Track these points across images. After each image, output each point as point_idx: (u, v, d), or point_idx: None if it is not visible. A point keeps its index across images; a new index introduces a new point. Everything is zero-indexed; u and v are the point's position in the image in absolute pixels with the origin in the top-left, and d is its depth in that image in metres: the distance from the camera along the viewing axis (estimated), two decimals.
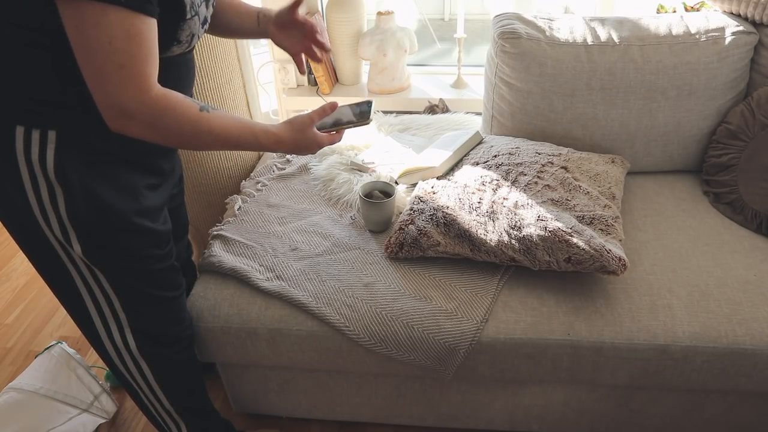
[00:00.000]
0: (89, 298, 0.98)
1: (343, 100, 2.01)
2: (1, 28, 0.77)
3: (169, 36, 0.84)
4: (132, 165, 0.93)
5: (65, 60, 0.76)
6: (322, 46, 1.10)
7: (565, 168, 1.29)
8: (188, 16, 0.84)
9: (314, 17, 1.09)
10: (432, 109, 1.86)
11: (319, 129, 0.97)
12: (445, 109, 1.86)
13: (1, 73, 0.80)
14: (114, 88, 0.75)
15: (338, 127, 0.99)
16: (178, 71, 0.95)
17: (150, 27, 0.76)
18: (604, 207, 1.22)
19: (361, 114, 1.02)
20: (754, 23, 1.41)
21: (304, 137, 0.95)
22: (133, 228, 0.93)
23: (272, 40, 1.11)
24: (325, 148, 1.08)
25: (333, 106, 0.97)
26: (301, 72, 1.11)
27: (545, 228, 1.12)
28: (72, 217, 0.88)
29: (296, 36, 1.09)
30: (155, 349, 1.08)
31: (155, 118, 0.80)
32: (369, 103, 1.04)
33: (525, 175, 1.26)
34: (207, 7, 0.91)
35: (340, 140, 1.01)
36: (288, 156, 1.59)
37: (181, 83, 0.96)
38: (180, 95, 0.83)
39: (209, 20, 0.94)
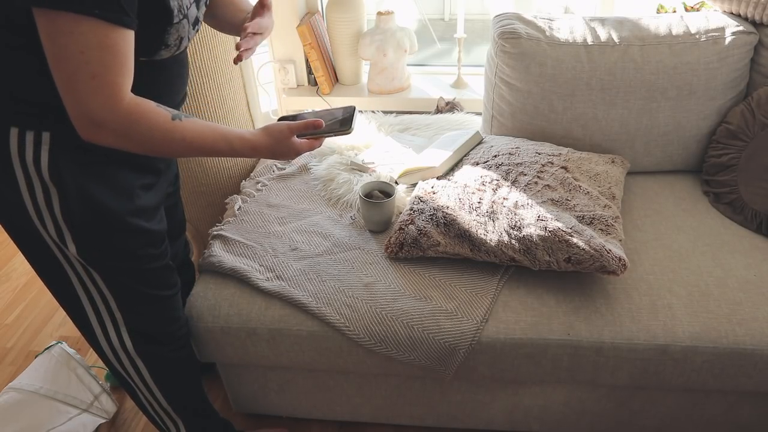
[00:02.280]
0: (85, 297, 0.99)
1: (343, 101, 2.01)
2: None
3: (156, 41, 0.83)
4: (126, 165, 0.93)
5: None
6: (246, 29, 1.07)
7: (565, 168, 1.29)
8: (176, 20, 0.83)
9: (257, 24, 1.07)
10: (451, 106, 1.84)
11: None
12: (457, 108, 1.85)
13: None
14: (84, 97, 0.75)
15: (318, 134, 0.98)
16: (169, 73, 0.94)
17: (125, 38, 0.76)
18: (604, 207, 1.22)
19: (343, 122, 1.00)
20: (754, 23, 1.41)
21: (280, 145, 0.94)
22: (127, 228, 0.93)
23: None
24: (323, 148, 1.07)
25: (318, 124, 0.96)
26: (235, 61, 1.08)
27: (545, 228, 1.12)
28: (66, 218, 0.88)
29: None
30: (151, 348, 1.08)
31: (126, 127, 0.79)
32: (352, 110, 1.02)
33: (525, 175, 1.26)
34: (198, 7, 0.90)
35: (319, 146, 1.01)
36: None
37: (173, 85, 0.96)
38: (152, 104, 0.83)
39: (201, 20, 0.93)
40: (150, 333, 1.07)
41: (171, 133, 0.83)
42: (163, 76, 0.92)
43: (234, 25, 1.10)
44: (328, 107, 1.11)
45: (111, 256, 0.95)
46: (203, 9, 0.93)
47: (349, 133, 0.99)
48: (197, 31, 0.93)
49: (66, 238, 0.90)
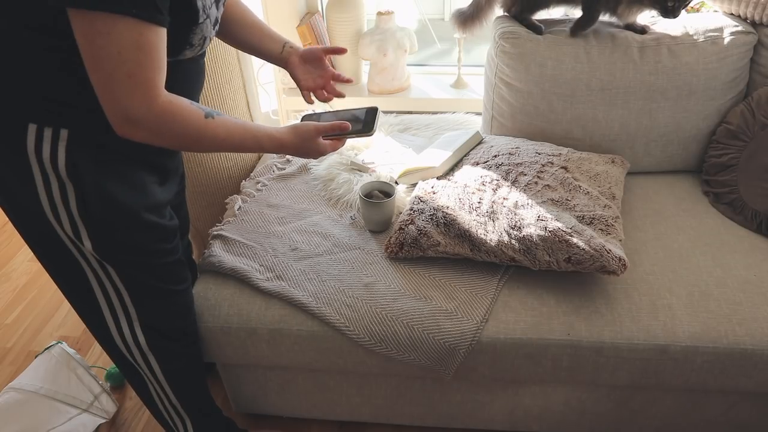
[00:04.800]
0: (101, 292, 1.00)
1: (343, 100, 2.01)
2: (16, 31, 0.78)
3: (181, 40, 0.85)
4: (140, 163, 0.95)
5: (79, 62, 0.77)
6: (335, 92, 1.20)
7: (565, 168, 1.29)
8: (201, 20, 0.84)
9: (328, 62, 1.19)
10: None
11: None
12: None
13: (15, 72, 0.81)
14: (121, 96, 0.76)
15: (341, 135, 1.01)
16: (188, 76, 0.96)
17: (160, 36, 0.77)
18: (604, 207, 1.22)
19: (366, 124, 1.04)
20: (753, 23, 1.41)
21: (307, 145, 0.98)
22: (142, 224, 0.95)
23: (290, 69, 1.16)
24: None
25: (345, 127, 1.00)
26: (308, 102, 1.18)
27: (545, 228, 1.12)
28: (83, 214, 0.89)
29: (312, 73, 1.17)
30: (163, 343, 1.10)
31: (161, 125, 0.81)
32: (374, 112, 1.05)
33: (525, 175, 1.26)
34: (217, 8, 0.91)
35: (342, 147, 1.05)
36: (288, 156, 1.60)
37: (191, 88, 0.98)
38: (186, 101, 0.85)
39: (219, 20, 0.94)
40: (162, 328, 1.08)
41: (204, 131, 0.86)
42: (181, 79, 0.94)
43: (262, 52, 1.15)
44: (348, 108, 1.15)
45: (126, 251, 0.96)
46: (222, 9, 0.94)
47: (371, 134, 1.03)
48: (216, 32, 0.94)
49: (81, 234, 0.91)
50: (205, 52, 0.97)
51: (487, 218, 1.18)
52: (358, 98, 2.01)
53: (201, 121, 0.85)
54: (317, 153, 0.99)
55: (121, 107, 0.77)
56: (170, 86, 0.83)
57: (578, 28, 1.40)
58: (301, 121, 1.03)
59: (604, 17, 1.44)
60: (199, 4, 0.82)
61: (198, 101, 1.04)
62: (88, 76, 0.76)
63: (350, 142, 1.60)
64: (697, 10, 1.60)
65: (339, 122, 0.99)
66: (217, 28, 0.93)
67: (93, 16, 0.71)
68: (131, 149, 0.90)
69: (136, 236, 0.95)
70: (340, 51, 1.15)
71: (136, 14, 0.72)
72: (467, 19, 1.55)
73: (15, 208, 0.91)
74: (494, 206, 1.19)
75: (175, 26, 0.80)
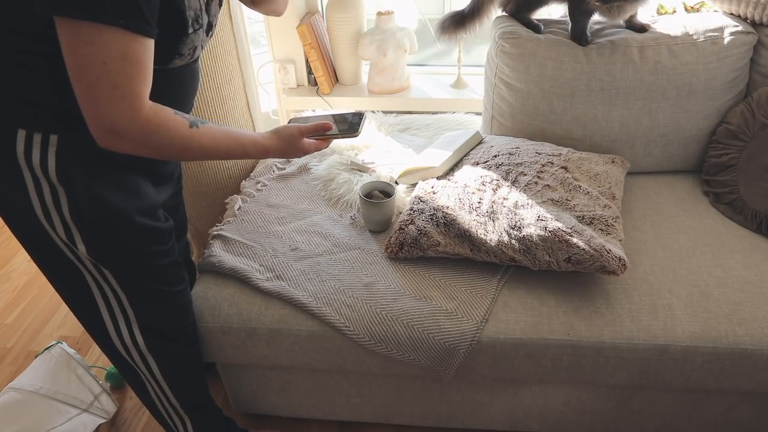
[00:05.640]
0: (99, 294, 1.00)
1: (343, 100, 2.01)
2: (3, 37, 0.77)
3: (170, 50, 0.84)
4: (133, 168, 0.94)
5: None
6: None
7: (565, 168, 1.29)
8: (190, 30, 0.84)
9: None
10: None
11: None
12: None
13: (3, 78, 0.80)
14: (105, 106, 0.75)
15: (326, 135, 1.02)
16: (182, 81, 0.95)
17: (146, 47, 0.76)
18: (604, 207, 1.22)
19: (351, 126, 1.04)
20: (753, 23, 1.41)
21: (291, 147, 0.99)
22: (136, 227, 0.95)
23: None
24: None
25: (328, 127, 1.00)
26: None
27: (545, 228, 1.12)
28: (75, 218, 0.89)
29: None
30: (162, 344, 1.09)
31: (145, 136, 0.80)
32: (360, 115, 1.06)
33: (525, 175, 1.26)
34: (208, 12, 0.90)
35: (326, 147, 1.05)
36: None
37: (185, 92, 0.97)
38: (170, 111, 0.83)
39: (215, 25, 0.94)
40: (160, 329, 1.08)
41: (189, 140, 0.85)
42: (175, 86, 0.93)
43: None
44: (336, 111, 1.15)
45: (120, 255, 0.96)
46: (217, 10, 0.93)
47: (356, 136, 1.03)
48: (211, 36, 0.93)
49: (75, 238, 0.90)
50: (198, 58, 0.97)
51: (487, 218, 1.18)
52: (358, 98, 2.01)
53: (186, 130, 0.84)
54: (302, 153, 1.00)
55: (104, 118, 0.76)
56: (163, 91, 0.82)
57: (575, 38, 1.40)
58: (288, 123, 1.04)
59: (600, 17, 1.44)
60: (189, 14, 0.81)
61: (192, 104, 1.03)
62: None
63: (350, 142, 1.60)
64: (697, 10, 1.60)
65: (322, 122, 1.00)
66: (212, 33, 0.92)
67: (79, 25, 0.70)
68: (123, 156, 0.89)
69: (130, 239, 0.95)
70: None
71: (123, 25, 0.71)
72: (459, 22, 1.55)
73: (9, 212, 0.91)
74: (494, 206, 1.19)
75: (164, 36, 0.79)
